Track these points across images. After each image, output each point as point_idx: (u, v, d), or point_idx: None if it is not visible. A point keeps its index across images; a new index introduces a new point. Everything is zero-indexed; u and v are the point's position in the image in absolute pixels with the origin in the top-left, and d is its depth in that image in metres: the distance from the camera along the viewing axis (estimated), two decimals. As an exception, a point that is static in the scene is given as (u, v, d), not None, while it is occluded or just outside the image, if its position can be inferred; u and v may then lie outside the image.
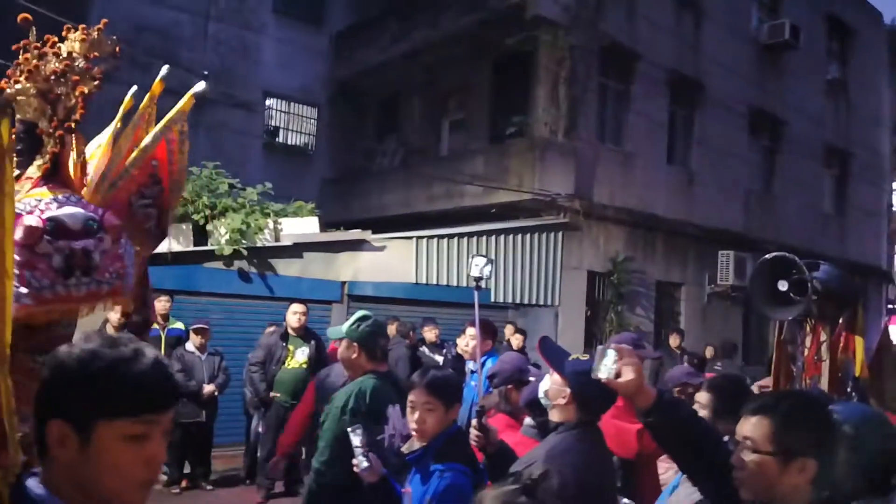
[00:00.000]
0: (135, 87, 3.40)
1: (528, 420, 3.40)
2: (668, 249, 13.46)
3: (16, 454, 2.31)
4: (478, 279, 4.23)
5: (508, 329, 9.73)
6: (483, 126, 13.49)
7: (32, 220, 2.86)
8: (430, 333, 8.62)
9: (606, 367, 1.93)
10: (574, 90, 12.09)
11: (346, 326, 3.33)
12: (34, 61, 3.12)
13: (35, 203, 2.91)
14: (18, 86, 3.06)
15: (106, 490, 1.24)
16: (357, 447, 2.80)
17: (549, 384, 2.70)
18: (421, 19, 13.64)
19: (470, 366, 5.05)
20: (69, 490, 1.24)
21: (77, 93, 3.10)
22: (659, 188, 13.26)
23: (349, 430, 2.84)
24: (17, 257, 2.67)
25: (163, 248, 8.23)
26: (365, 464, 2.77)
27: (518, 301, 11.29)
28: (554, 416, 2.64)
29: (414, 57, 13.63)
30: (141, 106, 3.32)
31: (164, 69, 3.35)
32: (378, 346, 3.29)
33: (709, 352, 10.96)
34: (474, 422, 2.74)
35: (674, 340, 10.94)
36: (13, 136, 3.12)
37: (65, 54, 3.21)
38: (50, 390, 1.24)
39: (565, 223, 11.80)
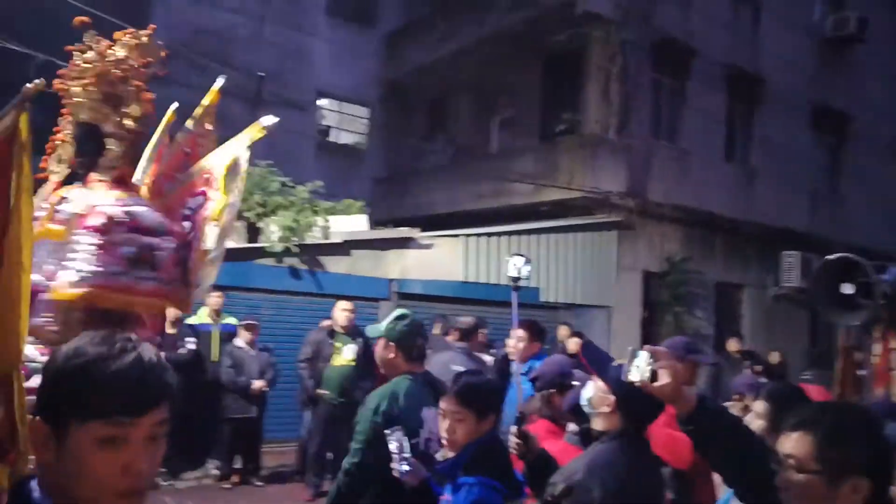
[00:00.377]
0: (176, 104, 3.54)
1: (572, 426, 3.28)
2: (728, 249, 13.06)
3: (26, 453, 2.33)
4: (515, 279, 4.14)
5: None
6: (533, 124, 13.34)
7: (115, 210, 3.00)
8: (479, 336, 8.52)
9: (639, 368, 1.82)
10: (626, 87, 11.84)
11: (384, 325, 3.27)
12: (95, 63, 3.20)
13: (113, 200, 3.06)
14: (76, 87, 3.16)
15: (82, 497, 1.16)
16: (394, 452, 2.74)
17: (593, 391, 2.59)
18: (469, 18, 13.58)
19: (514, 367, 4.95)
20: (56, 492, 1.19)
21: (142, 97, 3.26)
22: (717, 186, 12.88)
23: (386, 433, 2.78)
24: (94, 241, 2.89)
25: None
26: (404, 468, 2.71)
27: (570, 301, 11.11)
28: (597, 424, 2.53)
29: (462, 56, 13.57)
30: (196, 113, 3.42)
31: (220, 80, 3.47)
32: (415, 347, 3.22)
33: (773, 357, 10.48)
34: (513, 428, 2.65)
35: (732, 345, 10.56)
36: (70, 137, 3.20)
37: (120, 57, 3.30)
38: (39, 387, 1.21)
39: (618, 222, 11.57)
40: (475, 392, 2.62)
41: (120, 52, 3.20)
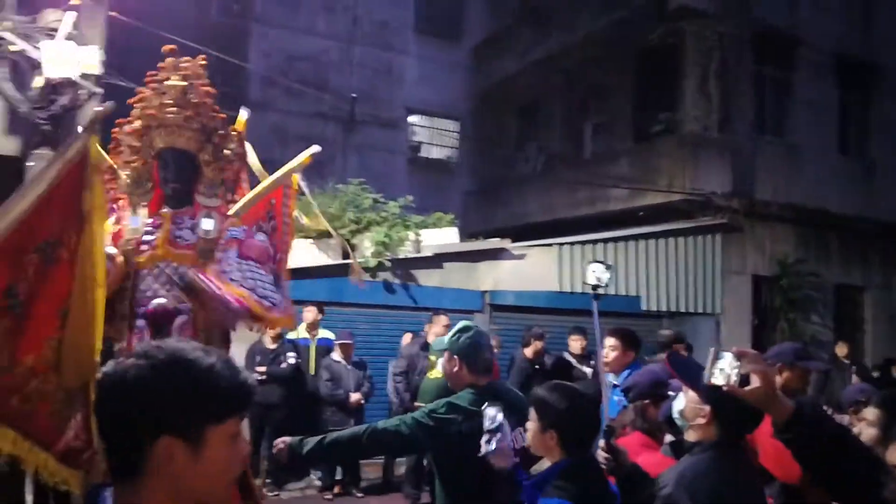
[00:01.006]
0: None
1: (669, 438, 3.08)
2: (846, 249, 12.18)
3: (100, 461, 2.41)
4: (595, 287, 3.98)
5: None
6: (627, 126, 12.97)
7: (264, 243, 3.36)
8: (575, 343, 8.30)
9: (723, 371, 1.66)
10: (726, 81, 11.32)
11: (447, 338, 3.21)
12: (180, 88, 3.34)
13: (245, 231, 3.37)
14: (172, 115, 3.31)
15: (213, 494, 1.24)
16: (487, 428, 2.69)
17: (685, 403, 2.41)
18: (556, 24, 13.42)
19: (609, 379, 4.74)
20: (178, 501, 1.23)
21: (229, 129, 3.47)
22: (831, 181, 12.04)
23: (483, 407, 2.72)
24: (264, 273, 3.21)
25: (312, 261, 8.62)
26: (492, 446, 2.65)
27: (673, 309, 10.67)
28: (691, 435, 2.35)
29: (551, 62, 13.41)
30: (282, 173, 3.59)
31: (314, 148, 3.74)
32: (479, 359, 3.14)
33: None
34: (602, 443, 2.51)
35: (841, 349, 9.83)
36: (147, 160, 3.33)
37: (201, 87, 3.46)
38: (141, 409, 1.18)
39: (724, 224, 11.04)
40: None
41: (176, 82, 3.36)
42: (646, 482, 2.44)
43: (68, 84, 6.52)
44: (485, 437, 2.69)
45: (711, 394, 2.23)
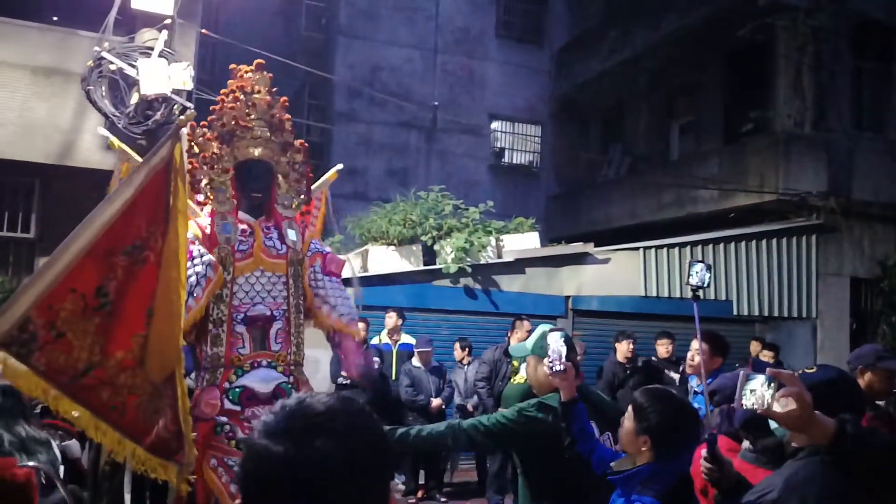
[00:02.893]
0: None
1: (746, 444, 2.97)
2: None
3: (191, 452, 2.54)
4: (696, 288, 3.86)
5: (754, 346, 8.84)
6: (716, 126, 12.56)
7: (342, 256, 3.65)
8: (662, 348, 8.10)
9: (755, 393, 1.60)
10: (821, 77, 10.80)
11: (530, 343, 3.20)
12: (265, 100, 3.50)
13: (322, 244, 3.68)
14: (256, 125, 3.47)
15: None
16: (553, 349, 2.74)
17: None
18: (641, 24, 13.15)
19: (693, 383, 4.61)
20: None
21: (300, 143, 3.59)
22: (935, 179, 11.28)
23: (547, 330, 2.77)
24: (342, 287, 3.50)
25: (395, 267, 8.77)
26: (558, 367, 2.70)
27: (766, 314, 10.25)
28: (798, 439, 2.27)
29: (636, 63, 13.15)
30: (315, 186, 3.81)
31: (339, 166, 4.08)
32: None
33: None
34: (704, 452, 2.43)
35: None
36: (234, 170, 3.47)
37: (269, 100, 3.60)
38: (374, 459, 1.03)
39: (819, 225, 10.53)
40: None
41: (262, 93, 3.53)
42: (743, 488, 2.36)
43: (162, 100, 6.85)
44: (551, 357, 2.74)
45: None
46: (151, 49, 6.97)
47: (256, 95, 3.49)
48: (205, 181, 3.42)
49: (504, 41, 15.48)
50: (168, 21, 7.17)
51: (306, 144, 3.71)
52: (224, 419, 3.07)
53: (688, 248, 10.03)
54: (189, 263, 2.99)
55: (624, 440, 2.50)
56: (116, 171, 3.51)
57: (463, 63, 15.11)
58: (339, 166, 4.10)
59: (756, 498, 2.06)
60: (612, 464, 2.59)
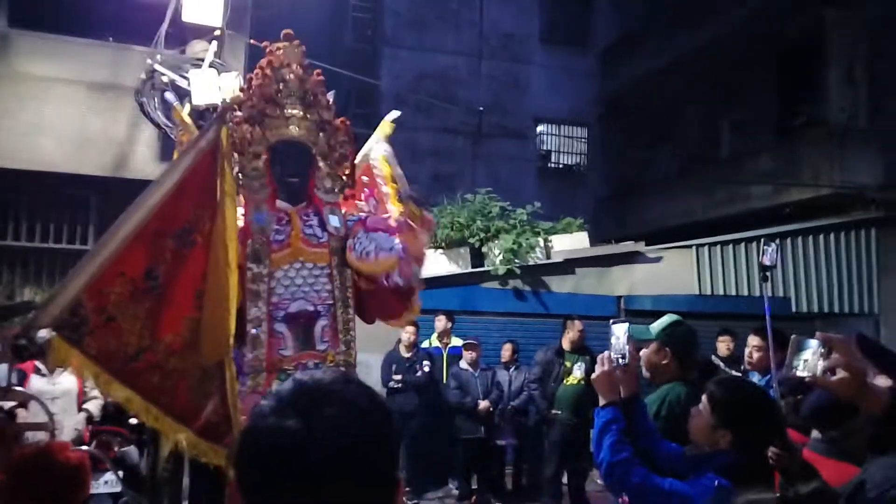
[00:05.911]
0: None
1: (814, 434, 2.86)
2: None
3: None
4: (767, 268, 3.79)
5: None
6: (768, 121, 12.24)
7: (388, 215, 3.24)
8: (723, 345, 7.89)
9: (807, 363, 1.51)
10: (876, 67, 10.43)
11: (656, 328, 3.14)
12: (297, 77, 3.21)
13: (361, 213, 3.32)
14: (293, 110, 3.16)
15: None
16: (618, 338, 2.60)
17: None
18: (688, 21, 12.94)
19: (755, 379, 4.48)
20: None
21: (340, 122, 3.34)
22: None
23: (611, 322, 2.67)
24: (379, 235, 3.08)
25: (442, 270, 8.75)
26: (622, 361, 2.58)
27: (826, 310, 9.94)
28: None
29: (684, 61, 12.93)
30: (366, 150, 3.61)
31: (394, 113, 3.71)
32: (691, 353, 3.04)
33: None
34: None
35: None
36: (267, 154, 3.40)
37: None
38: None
39: (878, 218, 10.17)
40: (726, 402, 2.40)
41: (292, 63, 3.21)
42: (811, 476, 2.28)
43: (213, 109, 6.97)
44: (614, 349, 2.61)
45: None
46: (202, 60, 7.11)
47: (286, 70, 3.15)
48: (236, 168, 3.05)
49: (548, 45, 15.43)
50: (217, 32, 7.31)
51: (348, 122, 3.35)
52: None
53: (742, 244, 9.80)
54: None
55: (699, 435, 2.42)
56: (177, 142, 3.40)
57: (507, 68, 15.10)
58: (396, 113, 3.68)
59: (879, 493, 1.98)
60: (685, 449, 2.54)
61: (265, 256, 2.97)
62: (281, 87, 3.13)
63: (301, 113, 3.15)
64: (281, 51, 3.16)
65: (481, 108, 14.30)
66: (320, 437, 0.88)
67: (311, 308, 3.00)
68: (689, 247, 9.72)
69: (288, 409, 0.91)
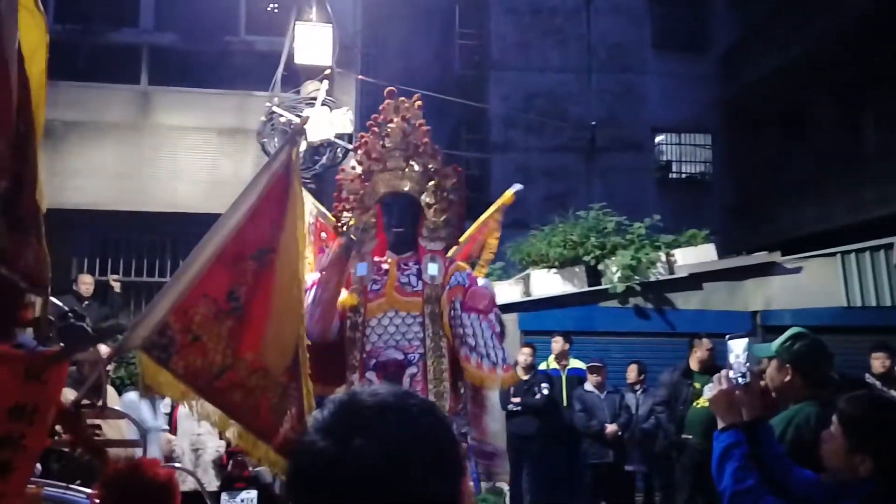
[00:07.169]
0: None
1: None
2: None
3: None
4: None
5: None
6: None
7: (491, 291, 3.34)
8: (877, 362, 7.15)
9: None
10: None
11: (776, 344, 2.88)
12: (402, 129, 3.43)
13: (467, 275, 3.35)
14: (395, 162, 3.33)
15: None
16: (737, 355, 2.37)
17: None
18: (816, 12, 12.03)
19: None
20: None
21: (450, 169, 3.42)
22: None
23: (727, 338, 2.43)
24: (487, 324, 3.14)
25: (558, 290, 8.54)
26: (741, 380, 2.33)
27: None
28: None
29: (815, 54, 12.02)
30: (490, 213, 3.70)
31: (516, 186, 3.78)
32: (818, 369, 2.75)
33: None
34: None
35: None
36: (374, 207, 3.41)
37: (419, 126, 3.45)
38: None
39: None
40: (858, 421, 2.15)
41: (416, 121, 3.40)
42: None
43: (327, 144, 7.29)
44: (734, 367, 2.37)
45: None
46: (315, 99, 7.46)
47: (390, 125, 3.37)
48: (351, 222, 3.30)
49: (662, 51, 14.89)
50: (328, 72, 7.64)
51: (460, 169, 3.50)
52: None
53: (894, 249, 8.87)
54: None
55: (834, 460, 2.17)
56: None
57: (619, 79, 14.72)
58: (518, 186, 3.79)
59: None
60: (819, 477, 2.27)
61: (361, 305, 3.17)
62: (385, 143, 3.34)
63: (403, 165, 3.32)
64: (395, 106, 3.38)
65: (594, 122, 14.00)
66: (346, 464, 0.87)
67: (401, 356, 3.10)
68: (833, 254, 8.90)
69: (328, 430, 0.92)
